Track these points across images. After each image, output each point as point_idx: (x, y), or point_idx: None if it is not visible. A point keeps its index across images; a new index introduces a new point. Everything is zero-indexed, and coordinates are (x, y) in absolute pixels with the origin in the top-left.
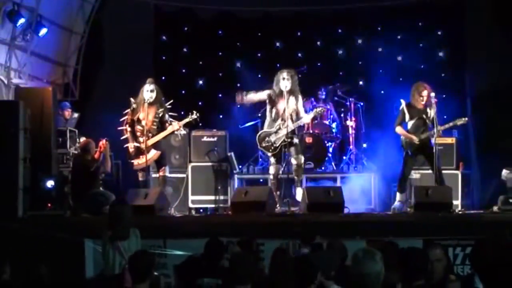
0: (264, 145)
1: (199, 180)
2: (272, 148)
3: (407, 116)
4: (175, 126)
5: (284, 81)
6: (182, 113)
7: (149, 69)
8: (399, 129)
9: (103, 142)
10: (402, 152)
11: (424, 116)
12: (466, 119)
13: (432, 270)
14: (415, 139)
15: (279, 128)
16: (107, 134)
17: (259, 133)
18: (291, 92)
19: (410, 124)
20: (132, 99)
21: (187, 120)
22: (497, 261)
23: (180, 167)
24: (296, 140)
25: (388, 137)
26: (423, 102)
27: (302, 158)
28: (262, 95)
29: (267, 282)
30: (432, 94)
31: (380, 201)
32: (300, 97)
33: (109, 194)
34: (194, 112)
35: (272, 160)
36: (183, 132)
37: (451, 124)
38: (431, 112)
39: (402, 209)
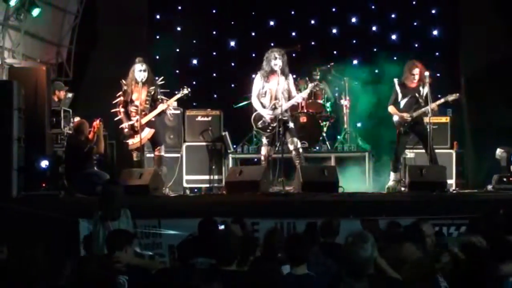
0: (259, 126)
1: (194, 160)
2: (269, 128)
3: (399, 95)
4: (164, 106)
5: (276, 60)
6: (176, 92)
7: (143, 48)
8: (391, 108)
9: (96, 122)
10: (395, 131)
11: (417, 94)
12: (458, 94)
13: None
14: (407, 115)
15: (274, 108)
16: (101, 114)
17: (254, 114)
18: (281, 72)
19: (402, 102)
20: (123, 81)
21: (178, 96)
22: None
23: (175, 146)
24: (291, 125)
25: (383, 116)
26: (415, 81)
27: (298, 142)
28: (255, 89)
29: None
30: (427, 73)
31: (374, 181)
32: (291, 77)
33: (103, 174)
34: (185, 87)
35: (265, 140)
36: (173, 111)
37: (442, 100)
38: (424, 90)
39: (396, 188)
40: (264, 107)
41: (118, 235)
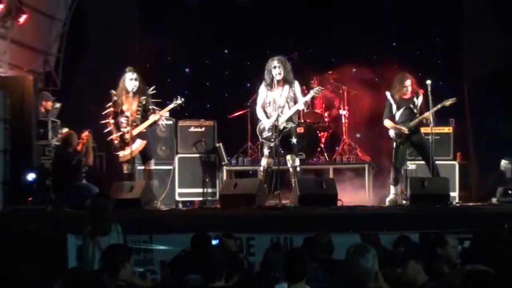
0: (265, 136)
1: (186, 172)
2: (273, 138)
3: (393, 107)
4: (157, 116)
5: (276, 69)
6: (168, 102)
7: (134, 56)
8: (387, 122)
9: (85, 134)
10: (392, 144)
11: (412, 105)
12: (455, 98)
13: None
14: (404, 128)
15: (278, 116)
16: (90, 125)
17: (259, 125)
18: (285, 81)
19: (397, 114)
20: (112, 91)
21: (171, 106)
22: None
23: (167, 158)
24: (294, 140)
25: (383, 126)
26: (408, 92)
27: (297, 160)
28: (260, 99)
29: (254, 277)
30: (428, 82)
31: (374, 193)
32: (296, 84)
33: (92, 187)
34: (179, 97)
35: (266, 151)
36: (165, 122)
37: (439, 106)
38: (419, 101)
39: (397, 201)
40: (268, 117)
41: (117, 251)
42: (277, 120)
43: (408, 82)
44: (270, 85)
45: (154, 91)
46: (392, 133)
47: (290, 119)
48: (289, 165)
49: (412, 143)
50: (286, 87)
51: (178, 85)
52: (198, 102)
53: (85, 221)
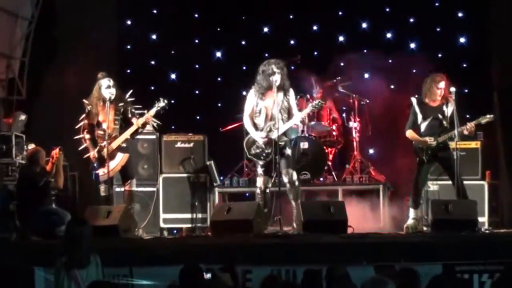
0: (253, 152)
1: (172, 195)
2: (264, 155)
3: (419, 117)
4: (141, 120)
5: (275, 75)
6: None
7: (111, 60)
8: (410, 133)
9: (56, 151)
10: (416, 159)
11: (440, 115)
12: (492, 116)
13: None
14: (431, 141)
15: (270, 130)
16: (61, 140)
17: (246, 138)
18: (280, 87)
19: (423, 125)
20: (85, 101)
21: (154, 110)
22: None
23: (149, 178)
24: (288, 151)
25: (400, 141)
26: (439, 97)
27: (294, 174)
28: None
29: None
30: (452, 89)
31: (390, 219)
32: (292, 92)
33: (64, 212)
34: (161, 99)
35: (260, 170)
36: (152, 126)
37: (473, 123)
38: (448, 110)
39: (416, 228)
40: (257, 128)
41: None
42: (269, 133)
43: (442, 84)
44: (263, 92)
45: (132, 99)
46: (416, 146)
47: (283, 134)
48: (285, 180)
49: (439, 160)
50: (280, 95)
51: (162, 94)
52: (186, 113)
53: (58, 252)
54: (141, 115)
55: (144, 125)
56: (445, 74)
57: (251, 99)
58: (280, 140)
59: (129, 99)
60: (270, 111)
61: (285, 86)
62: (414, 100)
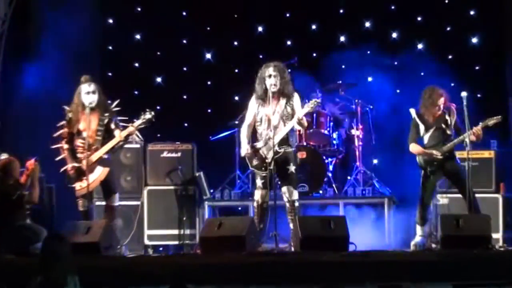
0: (254, 163)
1: (158, 209)
2: (264, 165)
3: (421, 128)
4: (124, 133)
5: (271, 79)
6: (135, 120)
7: (92, 62)
8: (413, 147)
9: (31, 162)
10: (420, 172)
11: (443, 124)
12: (500, 117)
13: None
14: (436, 154)
15: (269, 139)
16: (37, 150)
17: (251, 151)
18: (280, 93)
19: (426, 137)
20: (66, 107)
21: (139, 122)
22: None
23: (133, 191)
24: (291, 168)
25: (406, 150)
26: (439, 112)
27: (295, 194)
28: (249, 115)
29: None
30: (464, 94)
31: (396, 235)
32: (296, 97)
33: (39, 228)
34: (148, 110)
35: (259, 182)
36: (137, 140)
37: (480, 126)
38: (451, 118)
39: (425, 245)
40: (258, 138)
41: None
42: (268, 141)
43: (441, 101)
44: (263, 98)
45: (118, 108)
46: (420, 159)
47: (285, 142)
48: (284, 199)
49: (445, 171)
50: (283, 101)
51: (147, 99)
52: (173, 120)
53: (33, 271)
54: (125, 127)
55: (127, 138)
56: (441, 89)
57: (252, 107)
58: (282, 151)
59: (115, 109)
60: (272, 119)
61: (286, 91)
62: (413, 112)
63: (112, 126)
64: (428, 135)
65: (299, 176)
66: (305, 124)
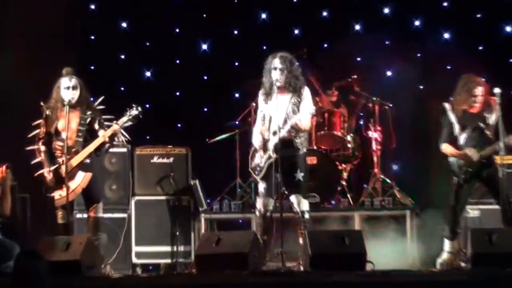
0: (253, 165)
1: (148, 223)
2: (258, 169)
3: (456, 127)
4: (108, 132)
5: (276, 72)
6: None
7: (72, 54)
8: (446, 147)
9: (1, 169)
10: (453, 179)
11: (482, 124)
12: None
13: None
14: (472, 154)
15: (267, 141)
16: (8, 155)
17: (253, 149)
18: (287, 87)
19: (462, 137)
20: (43, 104)
21: (124, 119)
22: None
23: (119, 202)
24: (300, 176)
25: (432, 154)
26: (477, 104)
27: (306, 204)
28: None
29: None
30: (497, 90)
31: (420, 252)
32: (307, 91)
33: (11, 244)
34: (134, 106)
35: (261, 187)
36: (120, 139)
37: None
38: (492, 117)
39: (453, 263)
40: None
41: None
42: (264, 144)
43: (478, 90)
44: (269, 93)
45: (103, 107)
46: (453, 164)
47: (289, 144)
48: (294, 209)
49: (482, 180)
50: (287, 97)
51: (135, 96)
52: (165, 120)
53: None
54: (110, 127)
55: (112, 138)
56: (479, 77)
57: (260, 104)
58: (288, 154)
59: (98, 107)
60: (274, 117)
61: (293, 84)
62: (447, 106)
63: (96, 126)
64: (464, 135)
65: (309, 185)
66: (301, 128)
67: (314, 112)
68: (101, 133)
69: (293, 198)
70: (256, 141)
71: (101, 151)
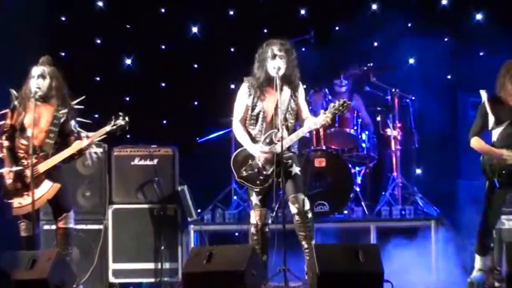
0: (245, 174)
1: (127, 235)
2: (262, 178)
3: (491, 119)
4: (84, 143)
5: (275, 60)
6: (97, 115)
7: (39, 39)
8: (476, 141)
9: None
10: (484, 183)
11: None
12: None
13: None
14: (509, 155)
15: (271, 141)
16: None
17: (235, 154)
18: (286, 81)
19: (496, 132)
20: (13, 91)
21: (107, 129)
22: None
23: (94, 212)
24: (295, 169)
25: (462, 156)
26: None
27: (307, 202)
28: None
29: None
30: None
31: (446, 269)
32: (301, 89)
33: None
34: (121, 114)
35: (255, 199)
36: (97, 150)
37: None
38: None
39: (485, 282)
40: (254, 139)
41: None
42: (277, 145)
43: None
44: (261, 87)
45: (81, 106)
46: (485, 164)
47: (289, 148)
48: (293, 211)
49: None
50: (287, 93)
51: (113, 87)
52: (148, 116)
53: None
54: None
55: (80, 152)
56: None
57: (243, 97)
58: (285, 156)
59: (76, 106)
60: (271, 114)
61: (292, 79)
62: (484, 94)
63: (69, 128)
64: (499, 129)
65: (317, 191)
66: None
67: None
68: (74, 140)
69: (292, 198)
70: (257, 149)
71: (68, 161)
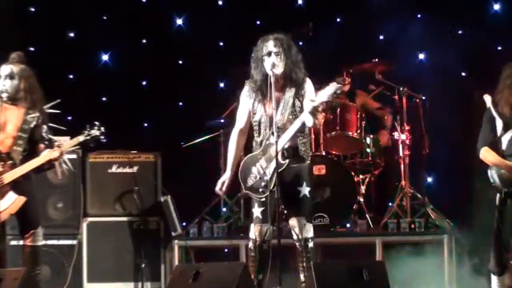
0: (250, 183)
1: (104, 251)
2: (262, 185)
3: (499, 126)
4: (54, 154)
5: (271, 57)
6: (70, 118)
7: (6, 31)
8: (486, 152)
9: None
10: (496, 195)
11: None
12: None
13: None
14: None
15: (268, 145)
16: None
17: (242, 163)
18: (286, 79)
19: (505, 139)
20: None
21: (80, 139)
22: None
23: (66, 225)
24: (305, 190)
25: (478, 163)
26: None
27: (310, 229)
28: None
29: None
30: None
31: None
32: (309, 83)
33: None
34: (97, 124)
35: (258, 211)
36: (68, 163)
37: None
38: None
39: None
40: (252, 149)
41: None
42: (266, 150)
43: None
44: (261, 90)
45: (56, 111)
46: (494, 175)
47: (294, 152)
48: (294, 236)
49: None
50: (290, 92)
51: (88, 86)
52: (127, 118)
53: None
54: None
55: (50, 163)
56: None
57: (244, 102)
58: (287, 162)
59: (49, 110)
60: (269, 116)
61: (295, 76)
62: (488, 99)
63: (40, 134)
64: (508, 137)
65: (316, 202)
66: (321, 118)
67: None
68: (42, 149)
69: (293, 222)
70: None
71: (37, 172)
